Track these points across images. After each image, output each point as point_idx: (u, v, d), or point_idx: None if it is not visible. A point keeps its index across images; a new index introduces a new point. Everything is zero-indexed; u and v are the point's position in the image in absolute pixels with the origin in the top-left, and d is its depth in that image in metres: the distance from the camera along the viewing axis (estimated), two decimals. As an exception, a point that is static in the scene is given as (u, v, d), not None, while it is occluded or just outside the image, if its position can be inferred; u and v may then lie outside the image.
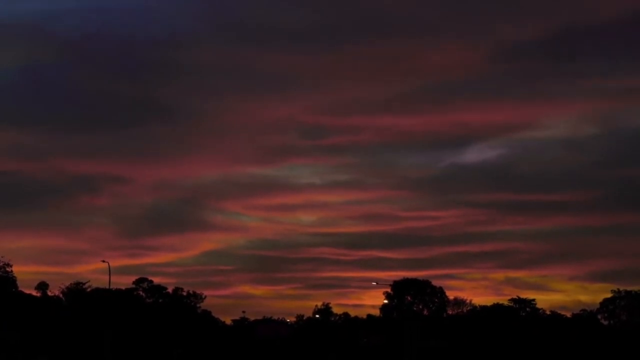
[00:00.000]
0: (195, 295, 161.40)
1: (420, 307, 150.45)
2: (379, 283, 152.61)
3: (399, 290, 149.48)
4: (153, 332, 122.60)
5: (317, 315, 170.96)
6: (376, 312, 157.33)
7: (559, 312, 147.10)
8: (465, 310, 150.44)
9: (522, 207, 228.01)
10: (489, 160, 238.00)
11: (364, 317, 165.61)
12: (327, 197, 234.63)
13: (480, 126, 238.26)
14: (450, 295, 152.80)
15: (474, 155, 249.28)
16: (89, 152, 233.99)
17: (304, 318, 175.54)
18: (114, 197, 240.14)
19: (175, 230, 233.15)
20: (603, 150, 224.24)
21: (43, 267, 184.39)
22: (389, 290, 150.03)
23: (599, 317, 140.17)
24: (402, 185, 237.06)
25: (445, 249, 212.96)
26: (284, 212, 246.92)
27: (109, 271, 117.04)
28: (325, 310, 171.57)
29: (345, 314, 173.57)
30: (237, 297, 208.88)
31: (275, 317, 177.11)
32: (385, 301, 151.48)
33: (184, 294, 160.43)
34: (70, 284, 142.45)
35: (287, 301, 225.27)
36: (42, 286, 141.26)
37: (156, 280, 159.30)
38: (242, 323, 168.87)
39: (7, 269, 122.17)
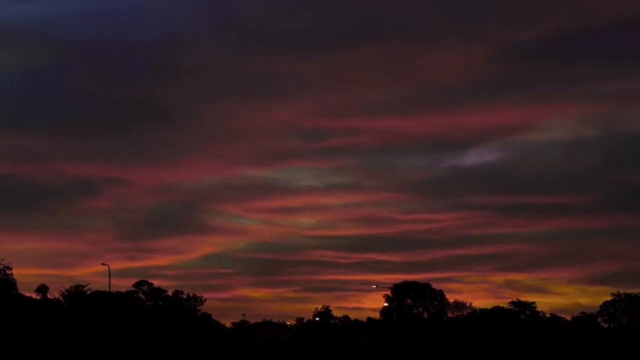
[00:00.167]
0: (195, 298, 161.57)
1: (420, 310, 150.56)
2: (379, 286, 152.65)
3: (399, 293, 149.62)
4: (153, 335, 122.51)
5: (317, 318, 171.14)
6: (376, 315, 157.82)
7: (558, 315, 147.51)
8: (465, 313, 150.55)
9: (522, 210, 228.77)
10: (488, 162, 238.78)
11: (364, 320, 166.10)
12: (327, 200, 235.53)
13: (480, 129, 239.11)
14: (450, 298, 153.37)
15: (473, 157, 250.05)
16: (88, 155, 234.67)
17: (304, 321, 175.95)
18: (114, 200, 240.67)
19: (175, 233, 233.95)
20: (603, 153, 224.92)
21: (43, 270, 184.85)
22: (389, 293, 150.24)
23: (599, 320, 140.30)
24: (401, 188, 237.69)
25: (445, 251, 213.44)
26: (283, 214, 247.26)
27: (109, 274, 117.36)
28: (325, 313, 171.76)
29: (345, 317, 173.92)
30: (237, 300, 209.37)
31: (275, 320, 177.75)
32: (385, 304, 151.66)
33: (184, 296, 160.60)
34: (70, 286, 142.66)
35: (287, 304, 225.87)
36: (42, 289, 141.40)
37: (156, 283, 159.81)
38: (242, 326, 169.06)
39: (7, 272, 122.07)
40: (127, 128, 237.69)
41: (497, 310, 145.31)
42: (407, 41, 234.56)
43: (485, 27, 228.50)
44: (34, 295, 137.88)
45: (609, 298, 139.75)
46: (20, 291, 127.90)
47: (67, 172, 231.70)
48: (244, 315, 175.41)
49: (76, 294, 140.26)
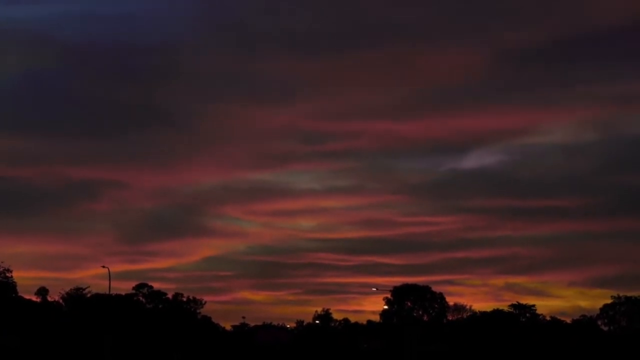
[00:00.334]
0: (195, 300, 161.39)
1: (420, 312, 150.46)
2: (379, 289, 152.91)
3: (399, 296, 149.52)
4: (153, 338, 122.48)
5: (317, 321, 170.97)
6: (376, 318, 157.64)
7: (559, 318, 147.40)
8: (465, 316, 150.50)
9: (522, 213, 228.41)
10: (488, 165, 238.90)
11: (364, 322, 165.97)
12: (327, 203, 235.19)
13: (480, 132, 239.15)
14: (450, 301, 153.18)
15: (473, 160, 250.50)
16: (89, 158, 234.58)
17: (304, 324, 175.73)
18: (114, 203, 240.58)
19: (176, 235, 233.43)
20: (603, 156, 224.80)
21: (43, 273, 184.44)
22: (388, 296, 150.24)
23: (599, 322, 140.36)
24: (401, 191, 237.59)
25: (445, 254, 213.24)
26: (283, 217, 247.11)
27: (109, 277, 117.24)
28: (325, 316, 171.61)
29: (345, 320, 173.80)
30: (237, 303, 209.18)
31: (275, 323, 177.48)
32: (385, 307, 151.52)
33: (184, 299, 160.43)
34: (70, 289, 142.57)
35: (287, 307, 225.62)
36: (42, 291, 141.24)
37: (156, 285, 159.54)
38: (242, 329, 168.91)
39: (7, 275, 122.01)
40: (127, 130, 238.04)
41: (497, 313, 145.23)
42: (407, 43, 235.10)
43: (486, 30, 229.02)
44: (33, 298, 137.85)
45: (609, 301, 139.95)
46: (20, 294, 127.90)
47: (67, 174, 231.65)
48: (244, 318, 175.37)
49: (76, 296, 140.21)
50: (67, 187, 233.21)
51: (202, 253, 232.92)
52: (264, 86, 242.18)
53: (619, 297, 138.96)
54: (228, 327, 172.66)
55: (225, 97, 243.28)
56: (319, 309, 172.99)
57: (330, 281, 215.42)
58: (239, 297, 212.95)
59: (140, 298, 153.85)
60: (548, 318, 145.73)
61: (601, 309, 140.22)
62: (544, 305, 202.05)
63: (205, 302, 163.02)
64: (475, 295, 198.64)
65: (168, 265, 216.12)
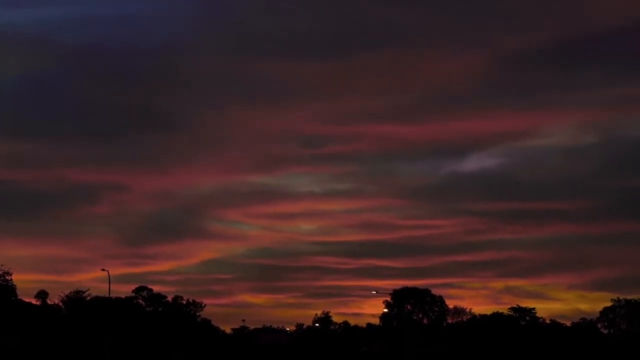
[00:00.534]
0: (195, 303, 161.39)
1: (420, 316, 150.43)
2: (379, 292, 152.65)
3: (399, 299, 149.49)
4: (153, 341, 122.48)
5: (317, 324, 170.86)
6: (376, 321, 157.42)
7: (558, 321, 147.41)
8: (465, 319, 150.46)
9: (522, 216, 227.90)
10: (488, 168, 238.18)
11: (364, 325, 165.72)
12: (327, 206, 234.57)
13: (480, 135, 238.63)
14: (450, 304, 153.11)
15: (473, 163, 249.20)
16: (89, 161, 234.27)
17: (304, 327, 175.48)
18: (113, 206, 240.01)
19: (175, 238, 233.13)
20: (603, 159, 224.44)
21: (43, 276, 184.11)
22: (388, 299, 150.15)
23: (599, 325, 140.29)
24: (401, 194, 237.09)
25: (445, 257, 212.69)
26: (283, 220, 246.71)
27: (109, 279, 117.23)
28: (325, 319, 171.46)
29: (345, 323, 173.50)
30: (237, 306, 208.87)
31: (275, 326, 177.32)
32: (385, 310, 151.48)
33: (184, 302, 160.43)
34: (70, 292, 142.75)
35: (287, 310, 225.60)
36: (42, 294, 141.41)
37: (156, 288, 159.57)
38: (242, 332, 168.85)
39: (7, 278, 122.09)
40: (127, 134, 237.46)
41: (497, 316, 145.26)
42: (408, 48, 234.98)
43: (485, 33, 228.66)
44: (33, 301, 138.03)
45: (609, 304, 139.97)
46: (19, 297, 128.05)
47: (67, 177, 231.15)
48: (243, 321, 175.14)
49: (76, 299, 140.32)
50: (67, 190, 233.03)
51: (202, 256, 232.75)
52: (264, 90, 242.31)
53: (619, 300, 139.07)
54: (228, 330, 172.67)
55: (225, 100, 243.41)
56: (319, 312, 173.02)
57: (330, 284, 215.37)
58: (239, 300, 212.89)
59: (140, 301, 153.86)
60: (548, 321, 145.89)
61: (601, 312, 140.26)
62: (543, 308, 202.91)
63: (205, 305, 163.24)
64: (475, 299, 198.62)
65: (168, 268, 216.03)
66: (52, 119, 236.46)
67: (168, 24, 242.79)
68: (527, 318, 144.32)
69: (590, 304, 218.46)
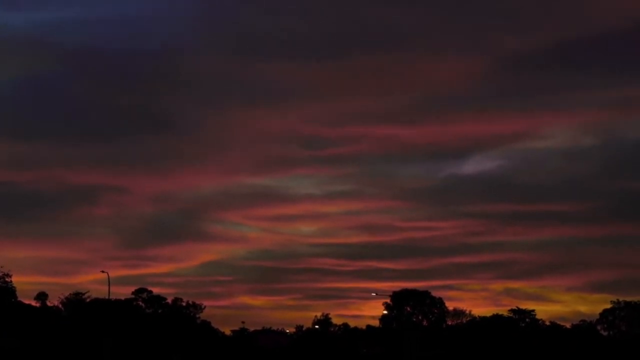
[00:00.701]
0: (194, 305, 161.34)
1: (420, 317, 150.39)
2: (379, 294, 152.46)
3: (399, 300, 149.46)
4: (152, 343, 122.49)
5: (317, 326, 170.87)
6: (376, 323, 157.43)
7: (558, 323, 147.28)
8: (464, 321, 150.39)
9: (522, 218, 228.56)
10: (488, 170, 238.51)
11: (364, 327, 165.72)
12: (327, 208, 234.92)
13: (480, 137, 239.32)
14: (450, 306, 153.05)
15: (473, 165, 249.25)
16: (89, 163, 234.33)
17: (304, 329, 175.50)
18: (113, 208, 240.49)
19: (175, 240, 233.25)
20: (603, 161, 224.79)
21: (42, 278, 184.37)
22: (388, 301, 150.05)
23: (599, 327, 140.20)
24: (401, 196, 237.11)
25: (445, 259, 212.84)
26: (283, 222, 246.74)
27: (109, 281, 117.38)
28: (325, 320, 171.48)
29: (345, 325, 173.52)
30: (237, 308, 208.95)
31: (275, 328, 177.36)
32: (385, 312, 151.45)
33: (184, 304, 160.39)
34: (70, 294, 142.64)
35: (287, 312, 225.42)
36: (42, 296, 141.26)
37: (155, 290, 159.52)
38: (241, 333, 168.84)
39: (7, 279, 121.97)
40: (127, 135, 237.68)
41: (496, 318, 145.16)
42: (408, 51, 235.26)
43: (485, 36, 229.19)
44: (33, 303, 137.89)
45: (608, 306, 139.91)
46: (19, 298, 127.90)
47: (67, 179, 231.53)
48: (243, 322, 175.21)
49: (76, 301, 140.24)
50: (67, 192, 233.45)
51: (202, 258, 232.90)
52: (264, 91, 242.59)
53: (618, 302, 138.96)
54: (227, 332, 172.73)
55: (225, 102, 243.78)
56: (319, 314, 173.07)
57: (330, 286, 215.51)
58: (239, 302, 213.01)
59: (140, 303, 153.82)
60: (547, 323, 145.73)
61: (601, 314, 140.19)
62: (543, 310, 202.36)
63: (205, 307, 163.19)
64: (474, 300, 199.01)
65: (168, 270, 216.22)
66: (52, 120, 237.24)
67: (168, 24, 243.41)
68: (527, 320, 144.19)
69: (590, 305, 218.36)
